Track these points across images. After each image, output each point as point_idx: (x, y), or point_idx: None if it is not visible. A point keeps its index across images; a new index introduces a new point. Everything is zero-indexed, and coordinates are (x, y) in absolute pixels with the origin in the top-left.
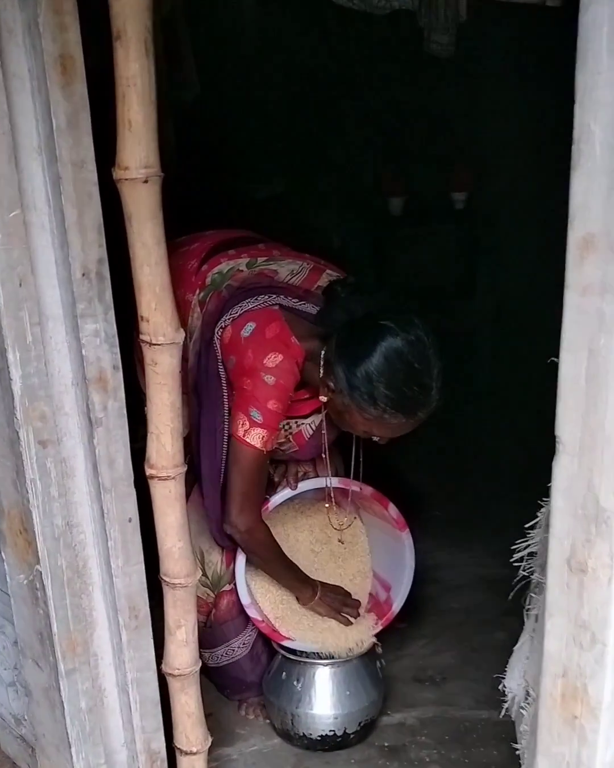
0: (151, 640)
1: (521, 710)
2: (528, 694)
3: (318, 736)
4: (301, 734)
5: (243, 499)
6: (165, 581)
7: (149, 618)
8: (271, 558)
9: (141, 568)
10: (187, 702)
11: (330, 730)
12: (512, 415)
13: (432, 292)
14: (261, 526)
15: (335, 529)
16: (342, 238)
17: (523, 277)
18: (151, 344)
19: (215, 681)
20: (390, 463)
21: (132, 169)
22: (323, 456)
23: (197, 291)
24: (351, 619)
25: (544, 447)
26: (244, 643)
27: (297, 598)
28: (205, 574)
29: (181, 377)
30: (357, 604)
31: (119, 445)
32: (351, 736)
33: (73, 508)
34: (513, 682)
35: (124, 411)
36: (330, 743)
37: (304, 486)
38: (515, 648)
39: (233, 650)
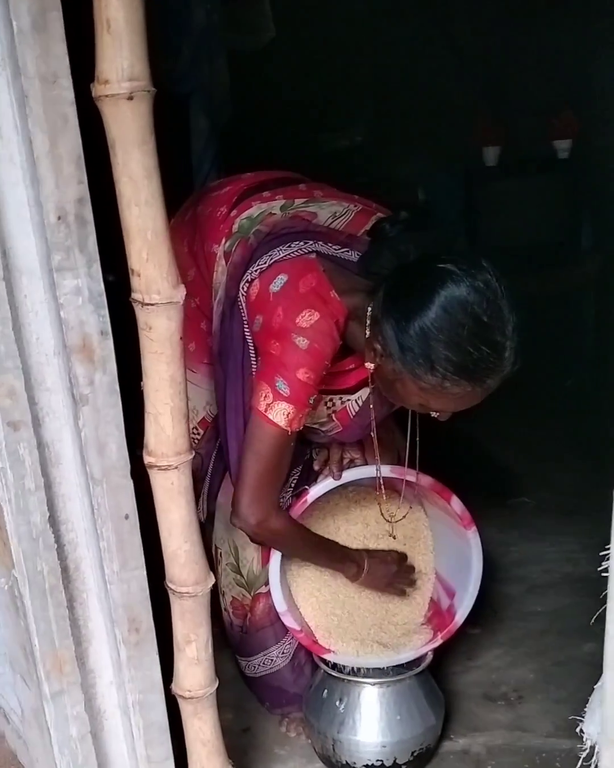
0: (156, 658)
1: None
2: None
3: (364, 765)
4: (344, 762)
5: (256, 487)
6: (171, 589)
7: (153, 632)
8: (297, 546)
9: (141, 573)
10: (202, 728)
11: (378, 760)
12: None
13: (531, 253)
14: (277, 517)
15: (386, 520)
16: (429, 193)
17: None
18: (143, 304)
19: (254, 692)
20: (470, 437)
21: (113, 83)
22: (371, 436)
23: (223, 240)
24: (404, 593)
25: None
26: (283, 652)
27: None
28: (239, 573)
29: (207, 345)
30: (410, 569)
31: (110, 428)
32: (403, 766)
33: (60, 503)
34: (592, 726)
35: (116, 386)
36: None
37: (349, 475)
38: (597, 685)
39: (272, 659)
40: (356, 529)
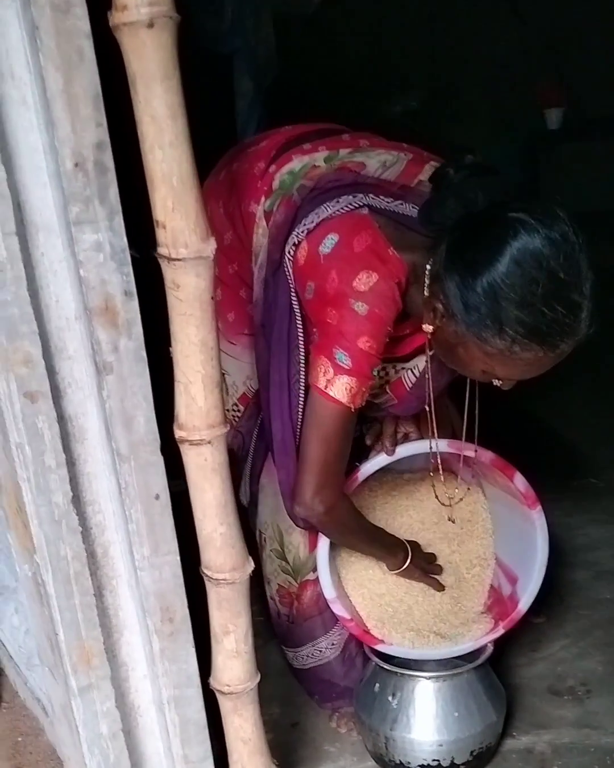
0: (192, 650)
1: None
2: None
3: (419, 765)
4: (398, 761)
5: (322, 472)
6: (207, 576)
7: (188, 622)
8: (353, 535)
9: (173, 558)
10: (242, 726)
11: (434, 760)
12: None
13: (597, 220)
14: (343, 504)
15: (443, 504)
16: (490, 158)
17: None
18: (169, 260)
19: (303, 685)
20: (533, 414)
21: (131, 8)
22: (427, 409)
23: (262, 199)
24: (439, 584)
25: None
26: (333, 643)
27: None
28: (284, 559)
29: (247, 315)
30: (433, 558)
31: (138, 399)
32: (461, 766)
33: (85, 481)
34: None
35: (143, 353)
36: None
37: (404, 451)
38: None
39: (320, 651)
40: (408, 513)
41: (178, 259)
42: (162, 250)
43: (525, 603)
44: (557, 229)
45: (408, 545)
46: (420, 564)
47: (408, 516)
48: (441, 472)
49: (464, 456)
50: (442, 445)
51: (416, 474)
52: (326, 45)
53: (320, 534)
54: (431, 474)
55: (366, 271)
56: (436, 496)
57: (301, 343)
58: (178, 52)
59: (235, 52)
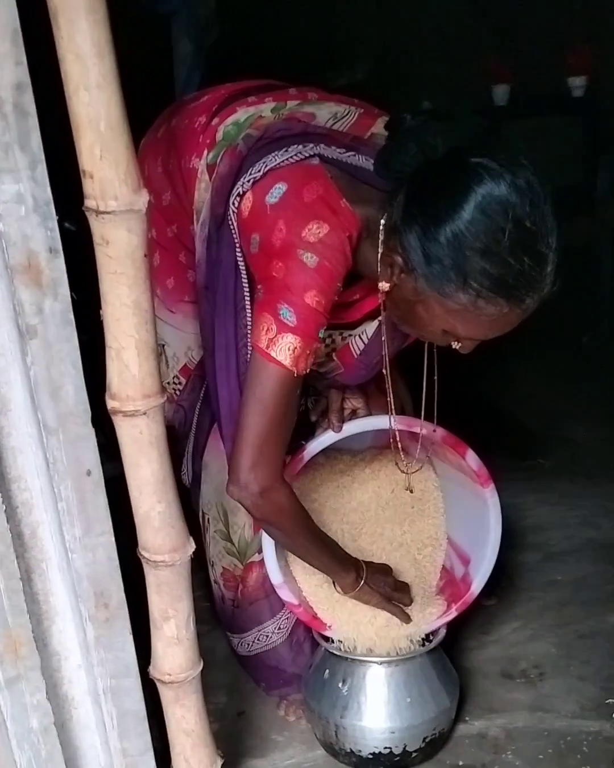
0: (130, 637)
1: None
2: None
3: (370, 753)
4: (348, 750)
5: (259, 444)
6: (144, 558)
7: (125, 608)
8: (297, 531)
9: (108, 539)
10: (185, 716)
11: (386, 748)
12: None
13: None
14: (282, 487)
15: (402, 472)
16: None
17: None
18: (98, 213)
19: (248, 672)
20: (481, 394)
21: None
22: (385, 373)
23: (205, 152)
24: (406, 611)
25: None
26: (280, 628)
27: (335, 585)
28: (230, 541)
29: (188, 281)
30: (406, 589)
31: (65, 366)
32: (414, 754)
33: (10, 456)
34: None
35: (70, 316)
36: (385, 763)
37: (352, 427)
38: None
39: (267, 635)
40: (358, 496)
41: (107, 212)
42: (89, 203)
43: (478, 584)
44: (522, 176)
45: (365, 566)
46: (379, 586)
47: (356, 497)
48: (398, 443)
49: (416, 433)
50: (393, 421)
51: (364, 453)
52: (269, 9)
53: None
54: (387, 450)
55: (316, 222)
56: (398, 466)
57: (247, 303)
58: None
59: (173, 12)
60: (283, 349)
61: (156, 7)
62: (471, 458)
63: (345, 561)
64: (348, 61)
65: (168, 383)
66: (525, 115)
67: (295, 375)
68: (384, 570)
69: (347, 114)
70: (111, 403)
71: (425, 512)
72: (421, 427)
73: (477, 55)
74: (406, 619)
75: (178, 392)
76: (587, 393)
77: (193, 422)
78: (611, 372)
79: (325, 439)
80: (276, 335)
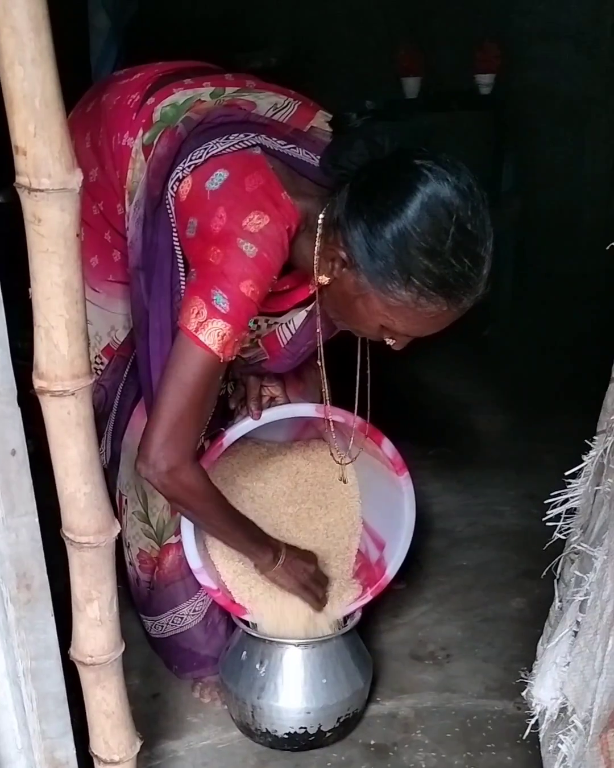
0: (51, 619)
1: (557, 734)
2: (565, 712)
3: (286, 733)
4: (264, 730)
5: (172, 424)
6: (69, 539)
7: (47, 589)
8: (208, 512)
9: (31, 520)
10: (105, 698)
11: (301, 728)
12: (537, 336)
13: None
14: (191, 468)
15: (337, 462)
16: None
17: (555, 176)
18: (30, 190)
19: (161, 655)
20: (388, 383)
21: None
22: (318, 364)
23: (140, 132)
24: (318, 602)
25: (582, 374)
26: (195, 610)
27: (255, 565)
28: (148, 522)
29: (112, 260)
30: (325, 582)
31: None
32: (328, 733)
33: None
34: (543, 691)
35: None
36: (300, 742)
37: (270, 415)
38: (545, 645)
39: (182, 617)
40: (276, 484)
41: (40, 190)
42: (22, 180)
43: (392, 568)
44: (464, 180)
45: (284, 548)
46: (297, 572)
47: (274, 485)
48: (332, 430)
49: (333, 421)
50: (311, 410)
51: (284, 444)
52: None
53: None
54: (309, 440)
55: (257, 212)
56: (332, 456)
57: (183, 288)
58: None
59: None
60: (211, 333)
61: None
62: (387, 447)
63: (262, 541)
64: (262, 44)
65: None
66: (434, 108)
67: (221, 360)
68: (308, 558)
69: (286, 105)
70: (38, 383)
71: (342, 500)
72: (338, 415)
73: (388, 46)
74: (317, 607)
75: (99, 372)
76: (489, 384)
77: (114, 403)
78: (512, 364)
79: (244, 426)
80: (206, 319)
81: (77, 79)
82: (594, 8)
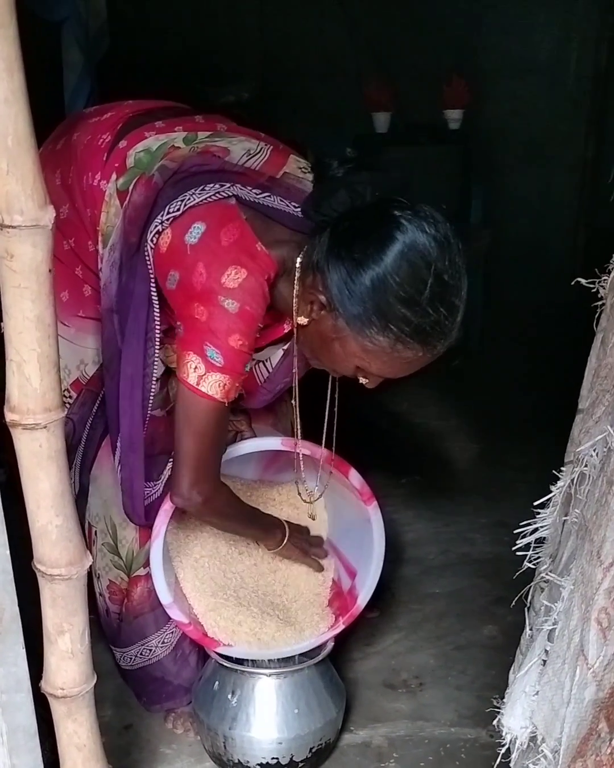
0: (22, 651)
1: (527, 764)
2: (535, 741)
3: (258, 764)
4: (236, 761)
5: (198, 466)
6: (40, 571)
7: (18, 621)
8: (233, 520)
9: (3, 552)
10: (77, 731)
11: (273, 758)
12: (506, 366)
13: None
14: (221, 493)
15: (305, 501)
16: (317, 155)
17: (522, 209)
18: (2, 226)
19: (130, 686)
20: (358, 413)
21: None
22: (292, 402)
23: (113, 176)
24: (321, 562)
25: (550, 404)
26: (164, 641)
27: (263, 545)
28: (117, 554)
29: (83, 295)
30: (320, 541)
31: None
32: (301, 764)
33: None
34: (513, 720)
35: None
36: None
37: (238, 449)
38: (516, 674)
39: (151, 650)
40: None
41: (13, 226)
42: None
43: (363, 597)
44: (441, 230)
45: (285, 524)
46: (299, 544)
47: None
48: (301, 467)
49: (303, 455)
50: (276, 443)
51: (249, 482)
52: (159, 23)
53: (154, 532)
54: (277, 482)
55: (234, 267)
56: (299, 494)
57: (157, 336)
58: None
59: (64, 20)
60: (213, 385)
61: (46, 15)
62: (354, 477)
63: (271, 526)
64: (234, 79)
65: None
66: (403, 142)
67: (225, 404)
68: (301, 529)
69: (259, 151)
70: (10, 416)
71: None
72: (305, 448)
73: (358, 82)
74: (320, 568)
75: (68, 405)
76: (460, 413)
77: (83, 436)
78: (482, 393)
79: None
80: (205, 373)
81: (50, 114)
82: (560, 44)
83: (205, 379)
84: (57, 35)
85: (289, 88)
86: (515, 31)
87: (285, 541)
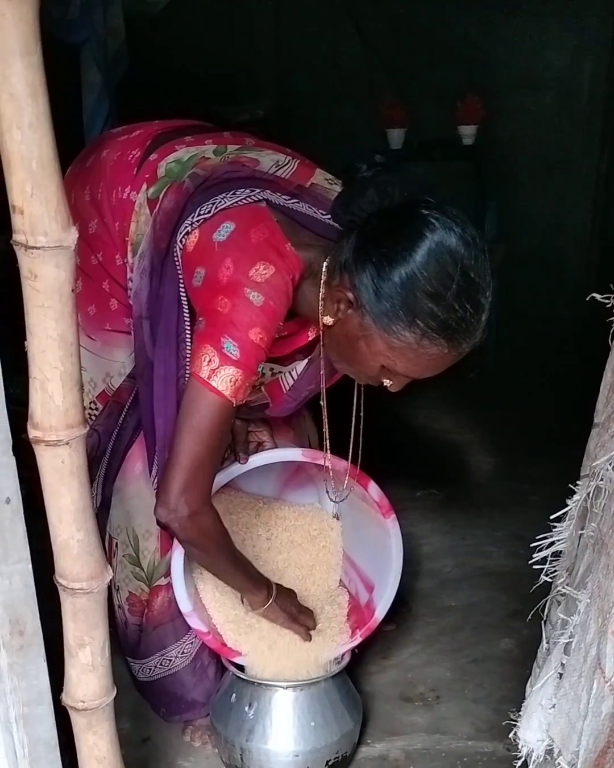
0: (44, 664)
1: None
2: (552, 754)
3: None
4: None
5: (191, 469)
6: (61, 585)
7: (39, 635)
8: (218, 552)
9: (25, 566)
10: (97, 743)
11: None
12: (521, 380)
13: None
14: (209, 512)
15: (332, 500)
16: (332, 172)
17: (537, 224)
18: (27, 248)
19: (148, 698)
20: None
21: None
22: (321, 404)
23: (144, 187)
24: (310, 631)
25: (566, 417)
26: (183, 652)
27: (247, 603)
28: (138, 565)
29: (110, 309)
30: (310, 613)
31: None
32: None
33: None
34: (529, 733)
35: None
36: None
37: (258, 460)
38: (532, 688)
39: (170, 660)
40: (260, 533)
41: (36, 248)
42: (18, 237)
43: (381, 610)
44: (468, 231)
45: (273, 584)
46: (286, 607)
47: (256, 534)
48: (330, 475)
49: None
50: (296, 454)
51: (266, 497)
52: (177, 45)
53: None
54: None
55: (263, 263)
56: (327, 494)
57: (189, 336)
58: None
59: (83, 42)
60: (224, 379)
61: (65, 37)
62: (373, 490)
63: (258, 580)
64: (250, 98)
65: (84, 408)
66: (418, 158)
67: (233, 405)
68: (291, 594)
69: (287, 163)
70: (33, 433)
71: (325, 542)
72: (324, 458)
73: (373, 99)
74: (308, 638)
75: (93, 417)
76: (476, 426)
77: (109, 447)
78: (498, 406)
79: (232, 470)
80: (219, 366)
81: (69, 135)
82: (573, 60)
83: (218, 372)
84: (76, 57)
85: (304, 105)
86: (528, 47)
87: (271, 601)
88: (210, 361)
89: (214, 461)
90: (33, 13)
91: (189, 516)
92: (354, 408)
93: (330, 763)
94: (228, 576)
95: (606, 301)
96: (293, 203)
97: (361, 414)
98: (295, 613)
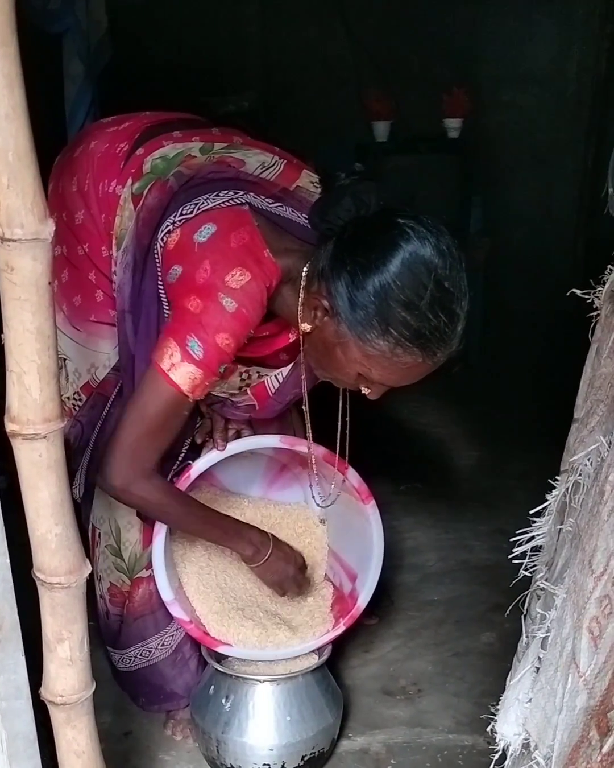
0: (22, 659)
1: None
2: (528, 748)
3: None
4: (229, 765)
5: (131, 447)
6: (39, 580)
7: (18, 629)
8: (175, 516)
9: (3, 561)
10: (76, 738)
11: (265, 764)
12: (505, 375)
13: None
14: (146, 483)
15: (318, 506)
16: (318, 165)
17: (522, 217)
18: (3, 240)
19: (127, 689)
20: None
21: None
22: (303, 409)
23: (129, 181)
24: (291, 595)
25: (549, 412)
26: (164, 644)
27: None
28: (120, 556)
29: (95, 300)
30: (306, 583)
31: None
32: None
33: None
34: (507, 727)
35: None
36: None
37: (236, 446)
38: (510, 681)
39: (150, 651)
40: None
41: (13, 240)
42: None
43: (364, 598)
44: (444, 241)
45: (270, 542)
46: (277, 571)
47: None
48: (314, 471)
49: (302, 454)
50: (275, 441)
51: (252, 497)
52: (162, 35)
53: (155, 529)
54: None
55: (240, 269)
56: (313, 496)
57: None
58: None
59: (64, 31)
60: (183, 375)
61: (47, 27)
62: (352, 476)
63: (237, 536)
64: (235, 89)
65: (67, 398)
66: (403, 151)
67: (189, 400)
68: (289, 560)
69: (273, 164)
70: (10, 426)
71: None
72: (302, 445)
73: (359, 91)
74: (283, 596)
75: (77, 408)
76: (459, 420)
77: (92, 438)
78: (480, 401)
79: (211, 457)
80: (180, 362)
81: (50, 126)
82: (559, 53)
83: (178, 367)
84: (58, 47)
85: (290, 97)
86: (515, 41)
87: (263, 561)
88: (171, 355)
89: (157, 443)
90: (8, 4)
91: (120, 487)
92: (340, 412)
93: (306, 758)
94: (201, 536)
95: (587, 296)
96: (276, 207)
97: (347, 419)
98: (282, 579)
